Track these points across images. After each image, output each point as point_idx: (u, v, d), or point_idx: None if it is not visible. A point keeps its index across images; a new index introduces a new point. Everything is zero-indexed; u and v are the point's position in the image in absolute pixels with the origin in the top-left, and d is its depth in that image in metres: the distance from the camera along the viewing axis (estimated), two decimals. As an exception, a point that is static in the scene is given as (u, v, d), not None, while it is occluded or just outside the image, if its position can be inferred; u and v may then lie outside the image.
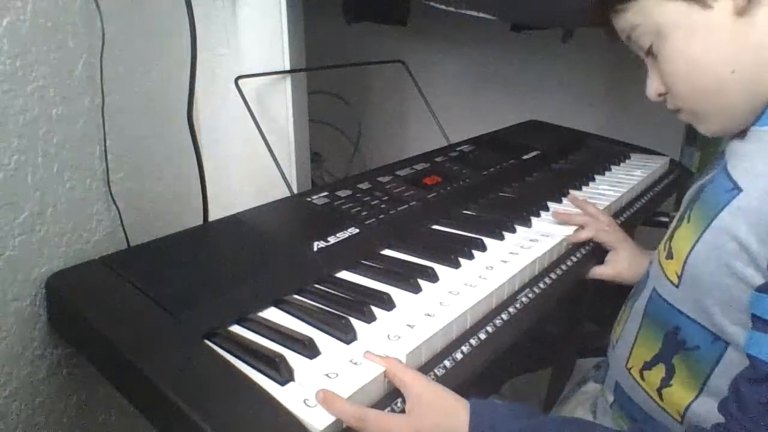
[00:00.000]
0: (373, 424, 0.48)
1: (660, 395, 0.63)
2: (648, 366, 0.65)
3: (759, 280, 0.51)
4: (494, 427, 0.50)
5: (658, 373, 0.63)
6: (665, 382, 0.62)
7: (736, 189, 0.55)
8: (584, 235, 0.83)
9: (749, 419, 0.48)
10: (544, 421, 0.52)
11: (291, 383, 0.51)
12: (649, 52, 0.62)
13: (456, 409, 0.52)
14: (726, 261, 0.54)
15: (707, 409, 0.58)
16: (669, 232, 0.65)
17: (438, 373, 0.57)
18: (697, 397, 0.59)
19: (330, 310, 0.62)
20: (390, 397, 0.53)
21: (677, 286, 0.60)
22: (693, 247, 0.58)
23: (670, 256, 0.62)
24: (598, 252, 0.84)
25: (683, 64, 0.59)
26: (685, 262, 0.59)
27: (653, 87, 0.64)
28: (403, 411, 0.52)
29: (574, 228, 0.84)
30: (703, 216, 0.58)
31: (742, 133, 0.60)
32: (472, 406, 0.52)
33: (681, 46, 0.58)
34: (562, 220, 0.86)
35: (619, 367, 0.70)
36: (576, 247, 0.83)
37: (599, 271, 0.82)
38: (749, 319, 0.52)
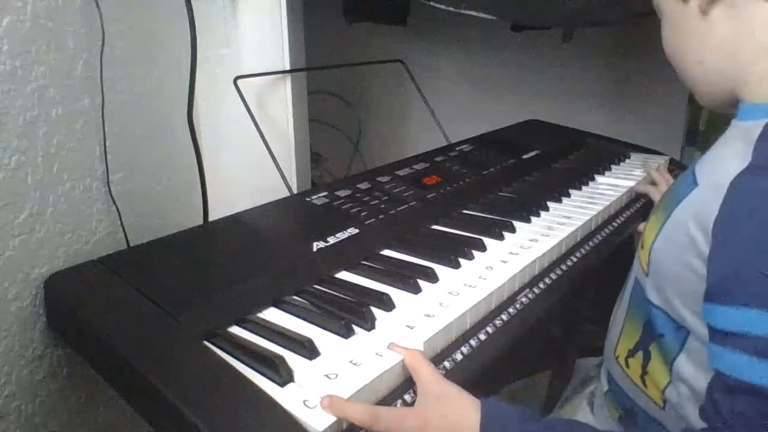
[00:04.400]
0: (384, 419, 0.49)
1: (643, 382, 0.64)
2: (631, 353, 0.66)
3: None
4: (505, 428, 0.51)
5: (638, 360, 0.65)
6: (644, 370, 0.64)
7: (694, 183, 0.57)
8: (657, 176, 1.02)
9: (727, 427, 0.48)
10: (552, 425, 0.53)
11: (290, 384, 0.51)
12: None
13: (466, 405, 0.52)
14: (680, 253, 0.56)
15: (677, 396, 0.60)
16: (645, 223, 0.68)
17: (438, 374, 0.56)
18: (668, 384, 0.61)
19: (329, 310, 0.62)
20: (390, 397, 0.53)
21: (647, 275, 0.63)
22: (655, 238, 0.61)
23: (642, 245, 0.65)
24: (599, 251, 0.85)
25: (667, 48, 0.64)
26: (650, 251, 0.62)
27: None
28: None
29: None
30: (665, 208, 0.60)
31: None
32: (483, 405, 0.52)
33: (665, 32, 0.63)
34: (647, 172, 1.06)
35: (609, 355, 0.71)
36: (579, 245, 0.84)
37: (638, 227, 0.92)
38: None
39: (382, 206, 0.85)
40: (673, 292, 0.58)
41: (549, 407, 0.92)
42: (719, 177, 0.52)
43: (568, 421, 0.65)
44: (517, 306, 0.68)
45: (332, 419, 0.47)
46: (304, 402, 0.48)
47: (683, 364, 0.58)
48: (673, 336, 0.59)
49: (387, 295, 0.64)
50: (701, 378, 0.55)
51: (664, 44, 0.64)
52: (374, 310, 0.61)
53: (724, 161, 0.54)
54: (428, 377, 0.53)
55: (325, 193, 0.86)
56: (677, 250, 0.56)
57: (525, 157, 1.16)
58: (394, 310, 0.63)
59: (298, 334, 0.57)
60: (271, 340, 0.57)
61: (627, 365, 0.67)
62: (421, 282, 0.68)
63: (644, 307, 0.64)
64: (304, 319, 0.61)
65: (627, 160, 1.22)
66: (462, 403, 0.53)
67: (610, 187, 1.03)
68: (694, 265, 0.54)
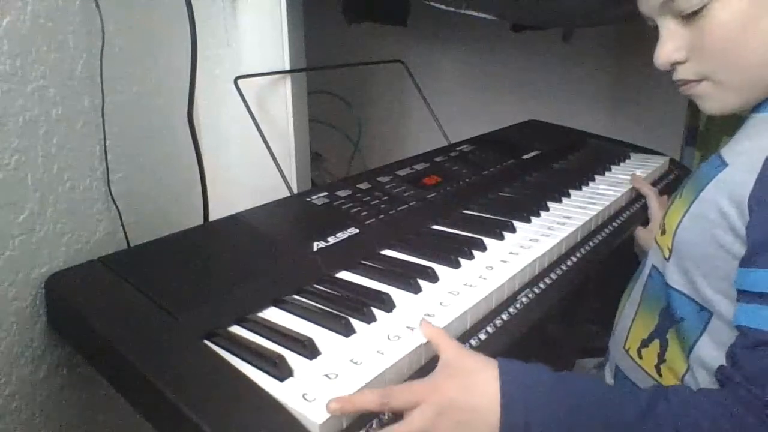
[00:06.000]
0: (397, 392, 0.49)
1: (659, 372, 0.65)
2: (645, 343, 0.67)
3: (739, 248, 0.54)
4: (525, 383, 0.51)
5: (654, 349, 0.66)
6: (661, 358, 0.65)
7: (723, 165, 0.59)
8: (646, 189, 1.00)
9: (751, 382, 0.49)
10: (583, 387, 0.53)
11: (290, 379, 0.51)
12: (693, 13, 0.58)
13: (484, 370, 0.52)
14: (709, 230, 0.57)
15: (695, 383, 0.60)
16: (664, 211, 0.69)
17: (438, 374, 0.56)
18: (687, 370, 0.61)
19: (330, 310, 0.62)
20: (390, 397, 0.53)
21: (668, 259, 0.64)
22: (681, 220, 0.62)
23: (663, 231, 0.66)
24: (599, 251, 0.85)
25: (721, 42, 0.58)
26: (674, 234, 0.63)
27: (670, 53, 0.61)
28: (401, 417, 0.51)
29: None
30: (692, 190, 0.62)
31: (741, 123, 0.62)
32: (501, 365, 0.52)
33: (727, 25, 0.57)
34: (637, 182, 1.02)
35: (618, 350, 0.71)
36: (579, 245, 0.84)
37: (636, 231, 0.93)
38: (731, 287, 0.55)
39: (382, 206, 0.85)
40: (699, 272, 0.59)
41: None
42: (752, 156, 0.54)
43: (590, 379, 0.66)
44: (517, 306, 0.68)
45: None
46: (303, 396, 0.48)
47: (704, 347, 0.59)
48: (695, 319, 0.60)
49: (387, 294, 0.64)
50: (723, 360, 0.56)
51: (716, 38, 0.58)
52: (374, 309, 0.61)
53: (755, 144, 0.56)
54: (453, 351, 0.54)
55: (325, 193, 0.86)
56: (706, 227, 0.58)
57: (525, 157, 1.16)
58: (394, 310, 0.63)
59: (299, 334, 0.57)
60: (271, 340, 0.57)
61: (640, 356, 0.67)
62: (421, 282, 0.68)
63: (662, 294, 0.65)
64: (305, 319, 0.61)
65: (627, 161, 1.22)
66: (479, 367, 0.52)
67: (610, 187, 1.03)
68: (724, 241, 0.56)
